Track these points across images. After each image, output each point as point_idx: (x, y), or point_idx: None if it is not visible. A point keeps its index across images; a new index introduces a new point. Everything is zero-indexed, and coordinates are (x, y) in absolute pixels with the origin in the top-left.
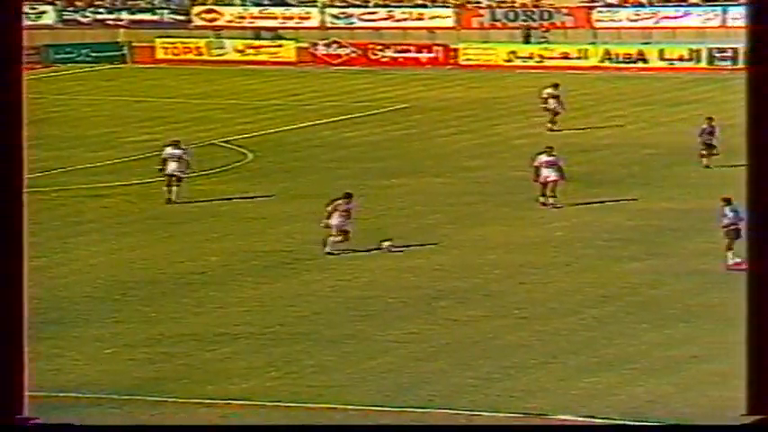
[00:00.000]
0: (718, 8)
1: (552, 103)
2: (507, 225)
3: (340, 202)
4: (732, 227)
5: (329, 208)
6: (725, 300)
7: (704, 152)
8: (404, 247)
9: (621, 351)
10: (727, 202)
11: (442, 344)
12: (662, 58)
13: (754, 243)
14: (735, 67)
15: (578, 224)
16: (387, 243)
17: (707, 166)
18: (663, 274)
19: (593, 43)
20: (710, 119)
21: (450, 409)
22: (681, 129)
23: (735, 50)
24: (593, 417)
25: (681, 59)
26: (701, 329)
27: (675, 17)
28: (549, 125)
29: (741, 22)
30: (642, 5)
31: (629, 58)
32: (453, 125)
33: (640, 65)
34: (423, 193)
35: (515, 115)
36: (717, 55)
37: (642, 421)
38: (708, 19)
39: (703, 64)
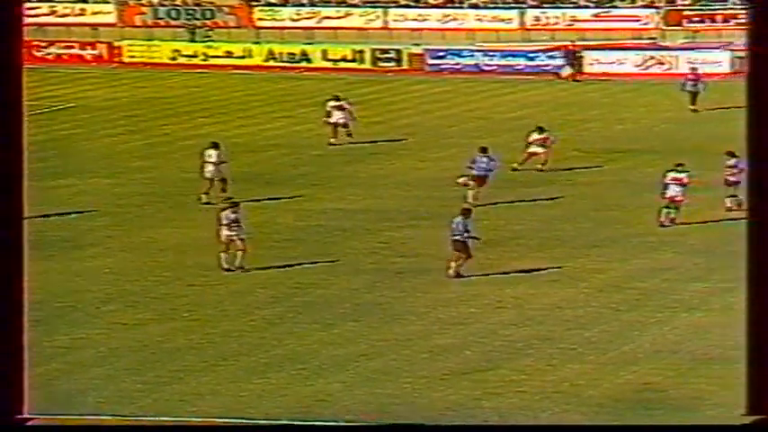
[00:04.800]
0: (379, 9)
1: (337, 116)
2: (177, 226)
3: None
4: None
5: None
6: (393, 298)
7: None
8: (74, 249)
9: (291, 351)
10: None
11: (110, 349)
12: (326, 59)
13: (754, 243)
14: (399, 68)
15: (249, 225)
16: None
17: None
18: (332, 274)
19: (257, 42)
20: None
21: (117, 415)
22: (353, 129)
23: (398, 52)
24: (260, 419)
25: (345, 60)
26: (369, 327)
27: (337, 17)
28: (332, 140)
29: (403, 24)
30: (303, 5)
31: (293, 58)
32: (121, 125)
33: (304, 65)
34: (91, 194)
35: (182, 115)
36: (380, 56)
37: (311, 421)
38: (369, 20)
39: (367, 65)
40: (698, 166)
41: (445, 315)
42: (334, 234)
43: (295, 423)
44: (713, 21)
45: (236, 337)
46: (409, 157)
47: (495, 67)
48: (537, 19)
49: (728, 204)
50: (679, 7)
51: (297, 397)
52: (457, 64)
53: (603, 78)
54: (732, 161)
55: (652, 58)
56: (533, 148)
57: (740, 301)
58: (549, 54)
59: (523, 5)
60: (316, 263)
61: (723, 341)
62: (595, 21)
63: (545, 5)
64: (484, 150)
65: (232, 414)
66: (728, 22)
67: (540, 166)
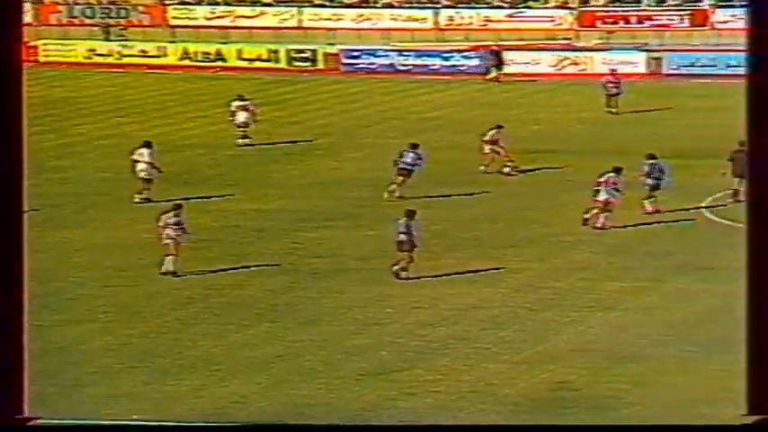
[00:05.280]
0: (294, 8)
1: (241, 117)
2: (94, 227)
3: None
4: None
5: None
6: (309, 299)
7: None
8: None
9: (206, 352)
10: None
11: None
12: (241, 58)
13: (753, 244)
14: (314, 68)
15: None
16: None
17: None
18: (248, 275)
19: (172, 41)
20: None
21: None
22: (269, 129)
23: (313, 51)
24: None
25: (260, 59)
26: (284, 328)
27: (252, 16)
28: (240, 141)
29: (318, 24)
30: (217, 4)
31: (207, 57)
32: (36, 125)
33: (220, 64)
34: None
35: (97, 115)
36: (295, 56)
37: (227, 422)
38: (284, 19)
39: (282, 64)
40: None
41: (361, 316)
42: (251, 234)
43: (295, 423)
44: (627, 22)
45: (152, 338)
46: (325, 157)
47: (411, 67)
48: (451, 19)
49: (647, 206)
50: (592, 8)
51: (212, 399)
52: (372, 64)
53: (520, 79)
54: (649, 163)
55: (567, 58)
56: (489, 148)
57: (655, 300)
58: (464, 54)
59: (437, 5)
60: (232, 264)
61: (638, 340)
62: (509, 21)
63: (459, 6)
64: (414, 146)
65: (146, 415)
66: (643, 23)
67: (484, 167)
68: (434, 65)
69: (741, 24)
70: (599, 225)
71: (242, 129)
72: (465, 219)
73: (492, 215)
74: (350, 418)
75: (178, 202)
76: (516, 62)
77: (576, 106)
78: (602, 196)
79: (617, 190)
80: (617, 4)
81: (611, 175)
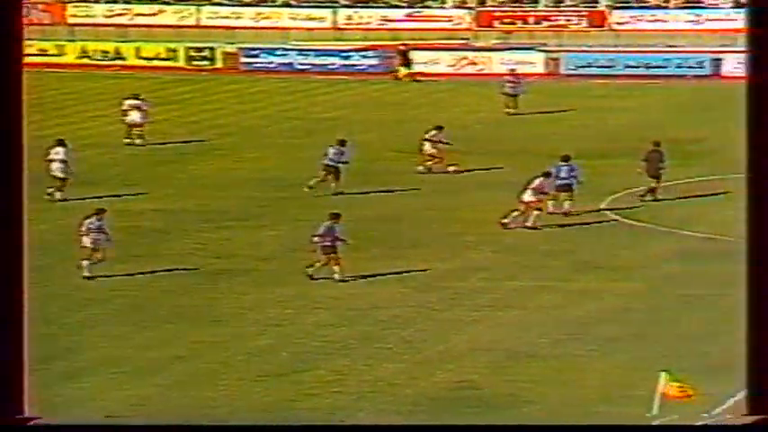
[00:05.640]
0: (192, 6)
1: (135, 116)
2: None
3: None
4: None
5: None
6: (210, 299)
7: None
8: None
9: (107, 354)
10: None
11: None
12: (139, 57)
13: (753, 245)
14: (213, 67)
15: (64, 225)
16: None
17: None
18: (150, 276)
19: (71, 40)
20: None
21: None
22: (167, 129)
23: (212, 50)
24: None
25: (159, 58)
26: (185, 330)
27: (150, 14)
28: (129, 140)
29: (216, 22)
30: (116, 2)
31: (106, 56)
32: None
33: (119, 63)
34: None
35: None
36: (194, 54)
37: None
38: (183, 17)
39: (181, 63)
40: (517, 167)
41: (262, 316)
42: (152, 235)
43: (296, 424)
44: (525, 22)
45: (51, 340)
46: (225, 157)
47: (310, 66)
48: (349, 18)
49: (550, 207)
50: (490, 8)
51: (112, 401)
52: (271, 63)
53: (423, 79)
54: (559, 165)
55: (465, 58)
56: (430, 148)
57: (555, 299)
58: (363, 54)
59: (336, 5)
60: (133, 264)
61: (538, 339)
62: (408, 21)
63: (358, 5)
64: (342, 143)
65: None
66: (541, 23)
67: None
68: (333, 64)
69: (639, 26)
70: (529, 224)
71: (134, 128)
72: (364, 218)
73: (392, 215)
74: (252, 419)
75: (101, 207)
76: (416, 62)
77: (476, 106)
78: (528, 198)
79: (543, 193)
80: (515, 4)
81: (541, 179)
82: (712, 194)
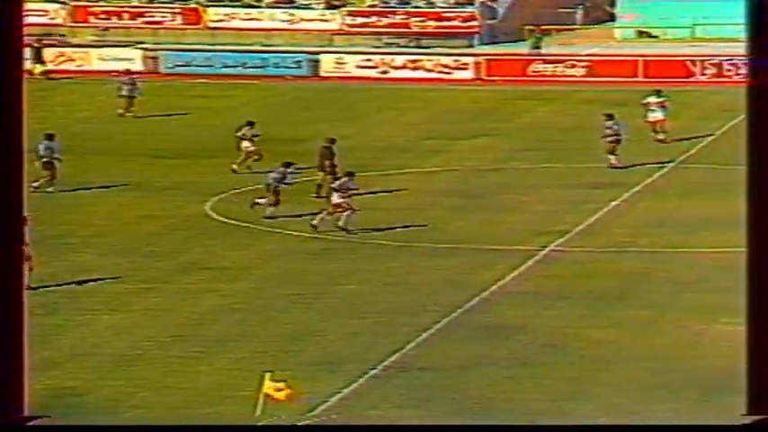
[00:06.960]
0: None
1: None
2: None
3: None
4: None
5: None
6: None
7: None
8: None
9: None
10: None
11: None
12: None
13: (753, 244)
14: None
15: None
16: None
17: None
18: None
19: None
20: None
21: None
22: None
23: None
24: None
25: None
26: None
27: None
28: None
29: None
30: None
31: None
32: None
33: None
34: None
35: None
36: None
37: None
38: None
39: None
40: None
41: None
42: None
43: (295, 424)
44: (120, 18)
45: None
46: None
47: None
48: None
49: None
50: (85, 3)
51: None
52: None
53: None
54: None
55: (63, 54)
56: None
57: (160, 300)
58: None
59: None
60: None
61: (143, 342)
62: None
63: None
64: (49, 137)
65: None
66: (136, 20)
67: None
68: None
69: (233, 24)
70: (341, 224)
71: None
72: None
73: None
74: None
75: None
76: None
77: (79, 105)
78: (336, 200)
79: (348, 193)
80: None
81: (345, 179)
82: (316, 196)
